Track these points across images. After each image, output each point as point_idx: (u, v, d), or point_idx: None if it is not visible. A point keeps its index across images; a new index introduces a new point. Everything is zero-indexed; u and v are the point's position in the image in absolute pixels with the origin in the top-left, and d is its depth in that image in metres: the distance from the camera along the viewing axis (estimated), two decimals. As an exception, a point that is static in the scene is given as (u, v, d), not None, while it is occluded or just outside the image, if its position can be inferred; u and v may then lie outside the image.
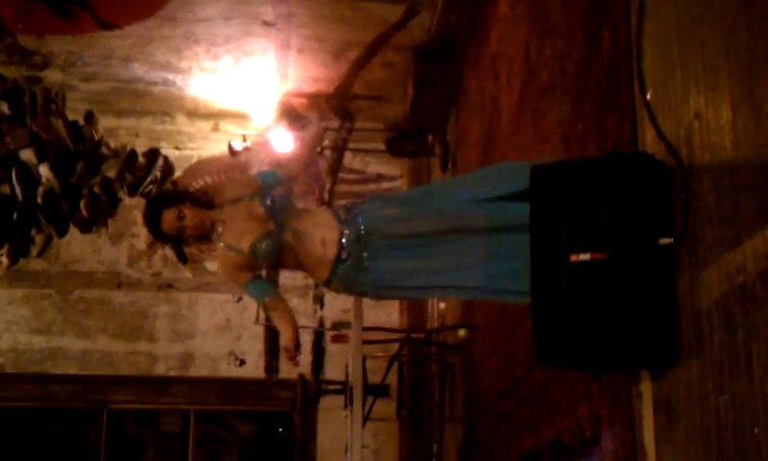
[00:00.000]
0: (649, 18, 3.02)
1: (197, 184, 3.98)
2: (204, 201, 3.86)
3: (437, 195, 3.87)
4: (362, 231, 3.70)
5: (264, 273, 3.96)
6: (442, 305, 7.42)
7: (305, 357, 8.65)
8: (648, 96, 2.96)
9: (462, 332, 6.66)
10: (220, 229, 3.80)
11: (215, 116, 8.60)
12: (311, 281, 8.66)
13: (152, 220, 3.84)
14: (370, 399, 6.68)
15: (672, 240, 2.69)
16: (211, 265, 4.15)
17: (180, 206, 3.80)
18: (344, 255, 3.70)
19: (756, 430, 2.23)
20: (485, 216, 3.59)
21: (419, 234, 3.66)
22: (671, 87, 2.81)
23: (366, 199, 4.00)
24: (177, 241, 3.89)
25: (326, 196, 8.51)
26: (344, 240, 3.69)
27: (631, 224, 2.71)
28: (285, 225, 3.75)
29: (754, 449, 2.25)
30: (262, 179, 3.89)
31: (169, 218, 3.79)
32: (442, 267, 3.65)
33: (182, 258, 5.03)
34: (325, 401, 8.32)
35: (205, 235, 3.82)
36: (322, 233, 3.74)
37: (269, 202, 3.78)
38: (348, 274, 3.73)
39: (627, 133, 3.15)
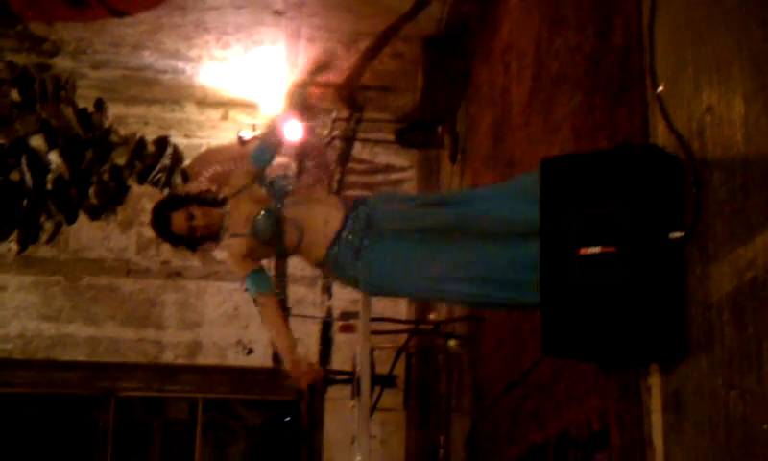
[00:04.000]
0: (661, 11, 3.00)
1: (207, 173, 4.02)
2: (210, 199, 3.88)
3: (450, 203, 3.83)
4: (367, 220, 3.69)
5: (268, 264, 3.96)
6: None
7: (313, 346, 8.67)
8: (660, 89, 2.95)
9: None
10: (227, 222, 3.81)
11: (225, 105, 8.59)
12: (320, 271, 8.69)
13: (160, 224, 3.87)
14: (377, 389, 6.68)
15: (683, 234, 2.68)
16: (220, 254, 4.17)
17: (189, 208, 3.83)
18: (343, 236, 3.69)
19: (766, 426, 2.22)
20: (497, 231, 3.58)
21: (423, 232, 3.65)
22: (683, 80, 2.79)
23: (374, 193, 4.03)
24: (188, 242, 3.91)
25: (335, 186, 8.51)
26: (348, 223, 3.69)
27: (641, 217, 2.70)
28: (285, 201, 3.75)
29: (763, 445, 2.24)
30: (254, 160, 3.90)
31: (178, 220, 3.83)
32: (440, 266, 3.63)
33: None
34: (333, 391, 8.32)
35: (216, 232, 3.85)
36: (326, 212, 3.75)
37: (268, 182, 3.80)
38: (343, 258, 3.71)
39: (638, 126, 3.14)
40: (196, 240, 3.89)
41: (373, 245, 3.66)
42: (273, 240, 3.80)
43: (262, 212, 3.73)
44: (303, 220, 3.74)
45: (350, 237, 3.69)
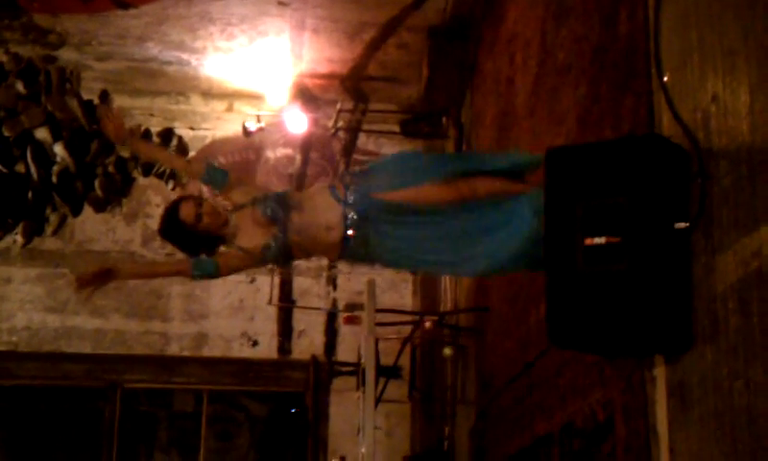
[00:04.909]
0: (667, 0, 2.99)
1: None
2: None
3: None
4: (363, 211, 3.82)
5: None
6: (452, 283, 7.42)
7: (318, 338, 8.68)
8: (665, 78, 2.93)
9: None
10: (233, 232, 3.93)
11: (229, 96, 8.59)
12: (324, 263, 8.68)
13: (170, 216, 3.97)
14: (382, 380, 6.68)
15: (688, 224, 2.67)
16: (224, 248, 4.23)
17: (198, 199, 4.02)
18: (349, 234, 3.83)
19: (771, 416, 2.22)
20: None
21: (417, 211, 3.78)
22: (688, 70, 2.78)
23: (361, 170, 4.19)
24: (191, 234, 3.99)
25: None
26: (348, 219, 3.81)
27: (646, 207, 2.69)
28: (288, 225, 3.86)
29: (768, 435, 2.23)
30: (205, 181, 4.10)
31: (187, 206, 3.96)
32: (444, 237, 3.80)
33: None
34: (338, 383, 8.34)
35: (219, 229, 3.95)
36: (325, 219, 3.88)
37: (268, 211, 3.89)
38: (357, 249, 3.89)
39: (643, 116, 3.13)
40: (200, 230, 3.96)
41: (378, 228, 3.84)
42: (284, 264, 4.05)
43: (271, 245, 3.88)
44: (308, 238, 3.92)
45: (355, 233, 3.84)
